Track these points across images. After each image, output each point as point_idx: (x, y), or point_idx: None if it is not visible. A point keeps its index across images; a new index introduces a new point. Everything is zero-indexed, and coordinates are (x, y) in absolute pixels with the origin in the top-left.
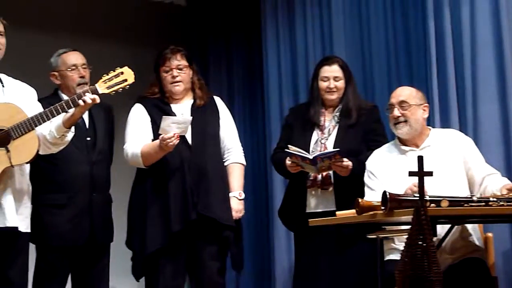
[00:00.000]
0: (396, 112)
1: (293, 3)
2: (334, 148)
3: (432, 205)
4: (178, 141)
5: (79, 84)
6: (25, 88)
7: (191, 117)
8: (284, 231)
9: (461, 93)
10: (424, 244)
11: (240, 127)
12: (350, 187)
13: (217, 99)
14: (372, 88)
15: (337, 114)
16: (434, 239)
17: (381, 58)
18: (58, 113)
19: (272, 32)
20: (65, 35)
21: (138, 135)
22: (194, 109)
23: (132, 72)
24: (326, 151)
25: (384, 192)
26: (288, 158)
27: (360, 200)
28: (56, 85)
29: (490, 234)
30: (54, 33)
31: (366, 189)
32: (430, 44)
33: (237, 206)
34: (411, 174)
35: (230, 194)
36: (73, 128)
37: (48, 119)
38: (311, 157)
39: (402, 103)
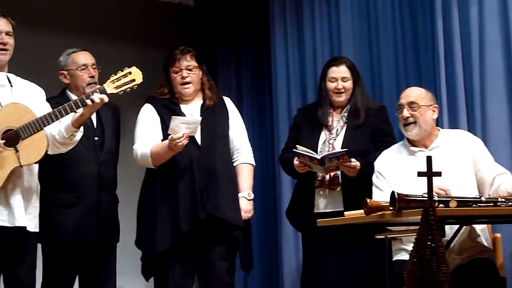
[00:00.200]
0: (406, 112)
1: (301, 3)
2: (342, 148)
3: (441, 205)
4: (187, 141)
5: (88, 84)
6: (34, 88)
7: (200, 117)
8: (292, 231)
9: (469, 93)
10: (433, 245)
11: (249, 127)
12: (358, 187)
13: (227, 100)
14: (380, 88)
15: (345, 114)
16: (443, 239)
17: (389, 58)
18: (67, 113)
19: (280, 32)
20: (73, 35)
21: (147, 135)
22: (204, 110)
23: (140, 72)
24: (334, 151)
25: (393, 193)
26: (296, 158)
27: (368, 200)
28: (64, 85)
29: (498, 235)
30: (62, 33)
31: (374, 189)
32: (438, 44)
33: (246, 206)
34: (420, 174)
35: (239, 195)
36: (82, 128)
37: (57, 119)
38: (319, 157)
39: (411, 104)
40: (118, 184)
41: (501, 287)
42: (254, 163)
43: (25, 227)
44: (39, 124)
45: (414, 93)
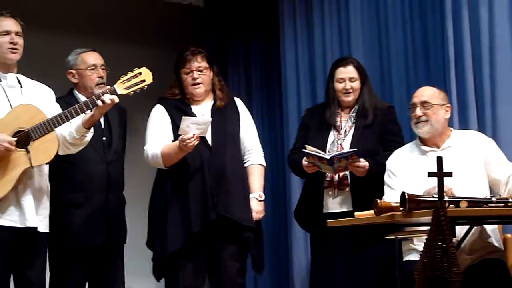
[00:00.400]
0: (418, 111)
1: (311, 3)
2: (350, 148)
3: (451, 206)
4: (197, 142)
5: (97, 84)
6: (43, 89)
7: (211, 118)
8: (302, 231)
9: (479, 94)
10: (444, 245)
11: (258, 127)
12: (367, 187)
13: (238, 100)
14: (390, 88)
15: (353, 114)
16: (453, 240)
17: (399, 58)
18: (78, 114)
19: (290, 32)
20: (83, 36)
21: (158, 136)
22: (214, 110)
23: (150, 73)
24: (343, 151)
25: (403, 193)
26: (304, 158)
27: (378, 201)
28: (71, 85)
29: (509, 235)
30: (71, 34)
31: (386, 188)
32: (448, 45)
33: (257, 207)
34: (430, 175)
35: (250, 195)
36: (92, 129)
37: (68, 120)
38: (328, 157)
39: (424, 103)
40: (125, 185)
41: None
42: (265, 164)
43: (36, 228)
44: (50, 125)
45: (427, 93)
